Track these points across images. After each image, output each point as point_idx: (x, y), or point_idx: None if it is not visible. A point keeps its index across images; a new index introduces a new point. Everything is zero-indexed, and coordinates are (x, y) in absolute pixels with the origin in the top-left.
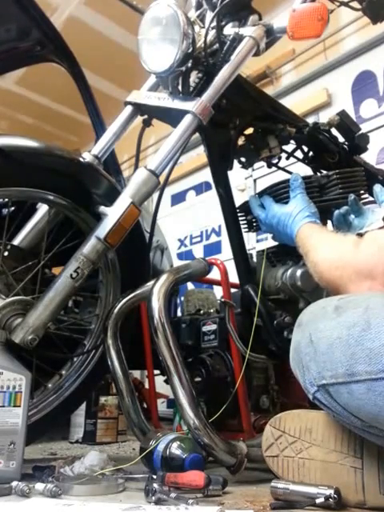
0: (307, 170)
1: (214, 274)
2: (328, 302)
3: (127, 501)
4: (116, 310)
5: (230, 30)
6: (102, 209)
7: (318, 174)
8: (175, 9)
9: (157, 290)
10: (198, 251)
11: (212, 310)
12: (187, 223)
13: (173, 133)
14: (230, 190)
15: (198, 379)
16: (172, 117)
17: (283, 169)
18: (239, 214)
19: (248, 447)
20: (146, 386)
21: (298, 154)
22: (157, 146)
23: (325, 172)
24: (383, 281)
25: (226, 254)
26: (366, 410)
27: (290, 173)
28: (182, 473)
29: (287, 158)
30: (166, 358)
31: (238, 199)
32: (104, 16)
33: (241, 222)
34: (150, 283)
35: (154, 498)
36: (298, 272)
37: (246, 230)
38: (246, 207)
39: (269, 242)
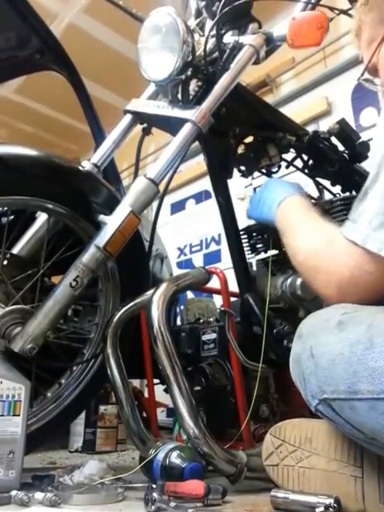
0: (307, 179)
1: (214, 283)
2: (331, 315)
3: (127, 510)
4: (115, 319)
5: (229, 38)
6: (102, 217)
7: (322, 199)
8: (175, 17)
9: (156, 298)
10: (198, 260)
11: (212, 319)
12: (187, 232)
13: (172, 141)
14: (230, 198)
15: (197, 388)
16: (171, 125)
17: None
18: (243, 237)
19: (248, 456)
20: (146, 394)
21: (298, 162)
22: (156, 155)
23: (329, 197)
24: (352, 296)
25: (226, 262)
26: (369, 427)
27: None
28: (182, 482)
29: (287, 167)
30: (166, 367)
31: (238, 208)
32: (104, 24)
33: (244, 246)
34: (150, 292)
35: (153, 507)
36: (298, 281)
37: (249, 253)
38: (249, 230)
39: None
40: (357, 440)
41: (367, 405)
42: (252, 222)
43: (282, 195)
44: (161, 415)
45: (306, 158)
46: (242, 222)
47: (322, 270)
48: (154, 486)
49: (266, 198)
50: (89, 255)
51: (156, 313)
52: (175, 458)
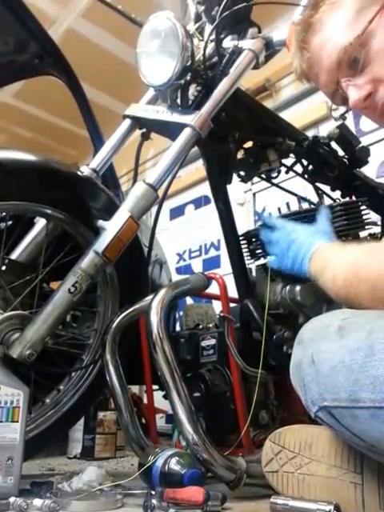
0: (306, 184)
1: (213, 289)
2: (331, 321)
3: None
4: (114, 325)
5: (229, 42)
6: (101, 223)
7: (322, 204)
8: (174, 21)
9: (155, 304)
10: (197, 265)
11: (211, 325)
12: (186, 237)
13: (171, 146)
14: (229, 204)
15: (196, 394)
16: (171, 130)
17: (280, 186)
18: (242, 243)
19: (247, 463)
20: (145, 401)
21: (298, 167)
22: (155, 160)
23: (330, 202)
24: None
25: (225, 268)
26: (370, 435)
27: (288, 191)
28: (181, 488)
29: (287, 172)
30: (165, 373)
31: (237, 213)
32: (102, 29)
33: (243, 252)
34: (149, 298)
35: None
36: (298, 287)
37: (249, 258)
38: (249, 235)
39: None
40: (357, 447)
41: (368, 413)
42: (251, 227)
43: (314, 245)
44: (160, 421)
45: (305, 163)
46: (242, 227)
47: (362, 279)
48: (153, 492)
49: (293, 249)
50: (87, 261)
51: (155, 319)
52: (174, 465)
